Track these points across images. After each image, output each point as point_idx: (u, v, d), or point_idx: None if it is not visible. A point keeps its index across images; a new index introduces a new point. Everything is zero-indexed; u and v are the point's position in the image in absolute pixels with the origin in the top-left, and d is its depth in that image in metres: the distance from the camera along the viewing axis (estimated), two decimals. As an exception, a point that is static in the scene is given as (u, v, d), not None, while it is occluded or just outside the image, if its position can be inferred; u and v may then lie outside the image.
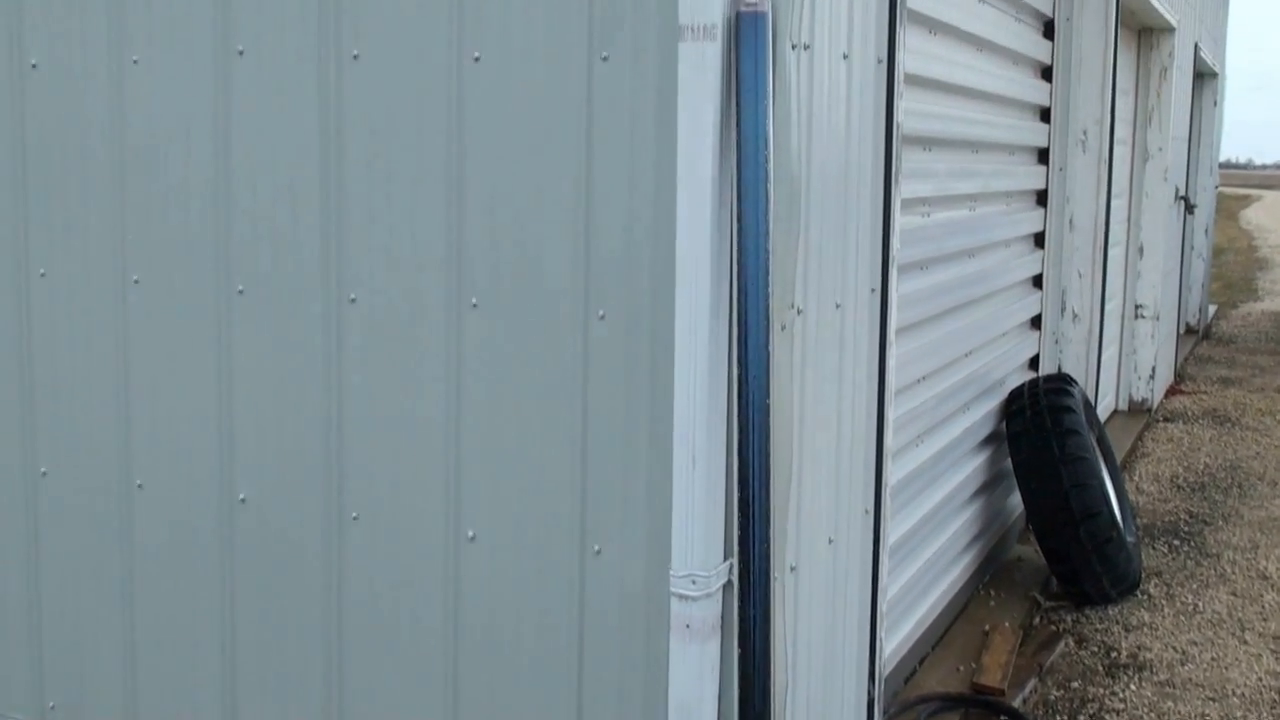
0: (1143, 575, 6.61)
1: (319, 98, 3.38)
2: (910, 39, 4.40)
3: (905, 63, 4.10)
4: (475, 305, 3.27)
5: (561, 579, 3.26)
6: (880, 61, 3.59)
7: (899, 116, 3.69)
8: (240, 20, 3.45)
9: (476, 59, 3.20)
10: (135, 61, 3.58)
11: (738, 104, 2.97)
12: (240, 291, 3.53)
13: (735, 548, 3.08)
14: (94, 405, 3.78)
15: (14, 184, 3.79)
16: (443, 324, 3.31)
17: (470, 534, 3.35)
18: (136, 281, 3.66)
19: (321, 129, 3.38)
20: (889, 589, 4.67)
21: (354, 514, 3.47)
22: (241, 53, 3.45)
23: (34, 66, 3.72)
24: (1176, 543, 7.33)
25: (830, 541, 3.53)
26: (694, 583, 3.05)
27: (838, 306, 3.46)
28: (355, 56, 3.33)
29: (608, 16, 3.06)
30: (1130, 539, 6.33)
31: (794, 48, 3.07)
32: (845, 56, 3.36)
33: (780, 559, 3.23)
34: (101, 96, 3.64)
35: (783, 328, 3.15)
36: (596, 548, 3.22)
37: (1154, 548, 7.24)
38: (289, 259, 3.46)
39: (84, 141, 3.68)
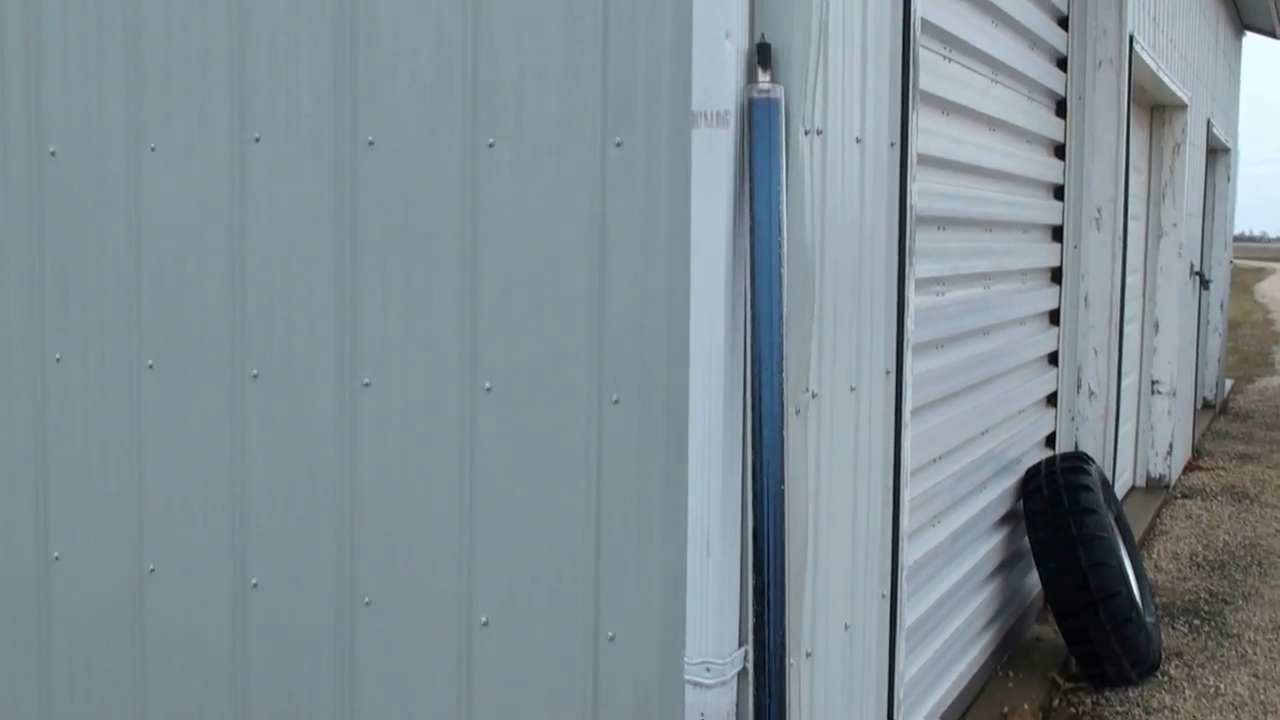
0: (1163, 656, 6.54)
1: (334, 183, 3.40)
2: (923, 120, 4.42)
3: (918, 144, 4.11)
4: (489, 389, 3.27)
5: (575, 665, 3.24)
6: (893, 145, 3.60)
7: (913, 199, 3.70)
8: (257, 107, 3.48)
9: (490, 145, 3.22)
10: (153, 149, 3.61)
11: (751, 189, 2.98)
12: (255, 376, 3.53)
13: (750, 634, 3.05)
14: (107, 489, 3.77)
15: (31, 269, 3.81)
16: (456, 408, 3.31)
17: (483, 619, 3.32)
18: (151, 366, 3.67)
19: (336, 214, 3.40)
20: (906, 672, 4.63)
21: (366, 599, 3.45)
22: (258, 140, 3.48)
23: (53, 154, 3.75)
24: (1197, 622, 7.26)
25: (846, 627, 3.50)
26: (709, 670, 3.03)
27: (852, 389, 3.45)
28: (370, 143, 3.35)
29: (621, 103, 3.09)
30: (1150, 619, 6.27)
31: (807, 133, 3.08)
32: (858, 140, 3.38)
33: (796, 645, 3.20)
34: (119, 183, 3.67)
35: (797, 412, 3.14)
36: (610, 634, 3.19)
37: (1174, 627, 7.17)
38: (304, 343, 3.47)
39: (101, 228, 3.70)
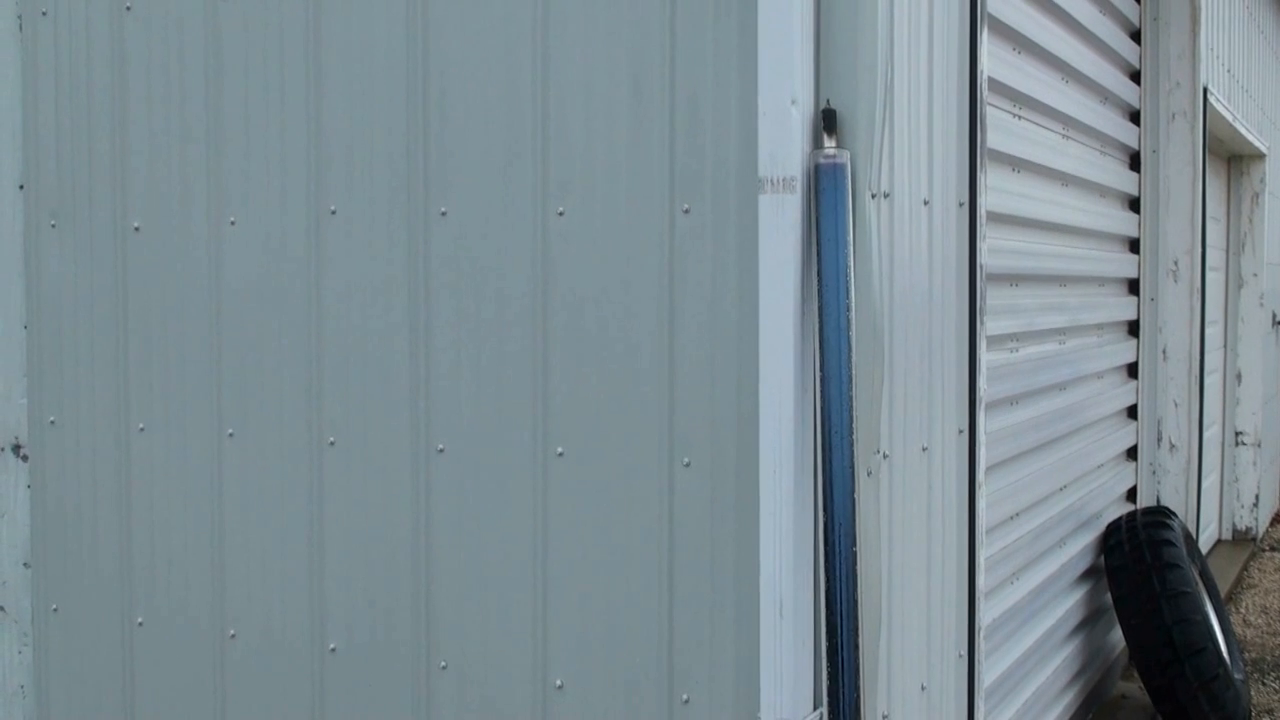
0: (1253, 713, 6.42)
1: (407, 253, 3.47)
2: (993, 178, 4.43)
3: (989, 201, 4.12)
4: (561, 454, 3.30)
5: (650, 729, 3.25)
6: (962, 205, 3.62)
7: (982, 258, 3.70)
8: (333, 181, 3.55)
9: (561, 214, 3.27)
10: (232, 223, 3.70)
11: (818, 252, 3.01)
12: (331, 443, 3.59)
13: (825, 697, 3.05)
14: (189, 555, 3.84)
15: (115, 341, 3.90)
16: (529, 473, 3.35)
17: (558, 683, 3.34)
18: (231, 435, 3.74)
19: (409, 283, 3.47)
20: (987, 732, 4.59)
21: (442, 663, 3.49)
22: (334, 212, 3.55)
23: (136, 229, 3.85)
24: (1287, 678, 7.13)
25: (923, 688, 3.48)
26: (783, 733, 3.03)
27: (924, 449, 3.45)
28: (443, 213, 3.41)
29: (688, 171, 3.13)
30: (1238, 676, 6.16)
31: (874, 196, 3.11)
32: (926, 202, 3.39)
33: (871, 707, 3.19)
34: (200, 257, 3.76)
35: (868, 473, 3.15)
36: (685, 697, 3.20)
37: (1264, 684, 7.04)
38: (379, 411, 3.53)
39: (182, 301, 3.79)
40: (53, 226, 3.99)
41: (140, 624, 3.94)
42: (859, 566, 3.04)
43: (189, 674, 3.87)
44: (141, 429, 3.88)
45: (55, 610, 4.07)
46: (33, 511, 4.09)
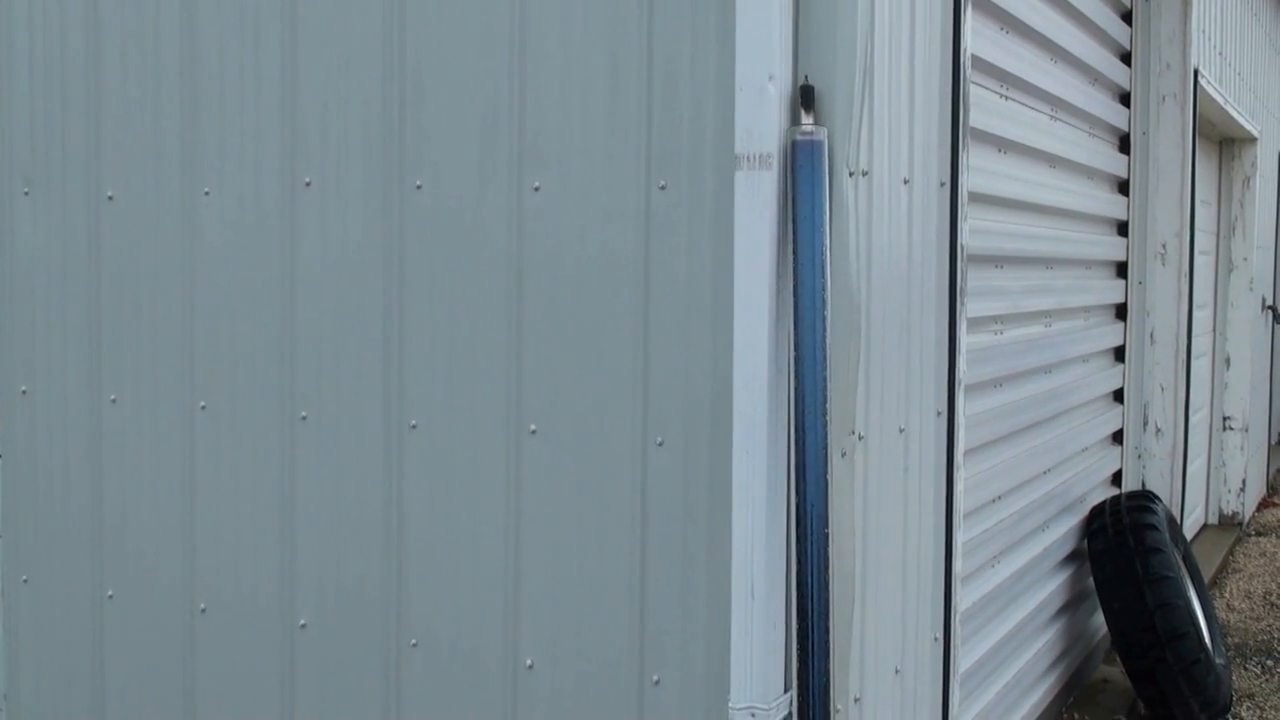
0: (1234, 698, 6.41)
1: (382, 227, 3.43)
2: (978, 158, 4.39)
3: (973, 182, 4.08)
4: (534, 432, 3.27)
5: (620, 709, 3.22)
6: (943, 184, 3.58)
7: (964, 239, 3.67)
8: (308, 153, 3.52)
9: (536, 189, 3.24)
10: (206, 193, 3.66)
11: (794, 230, 2.97)
12: (303, 418, 3.56)
13: (795, 679, 3.03)
14: (160, 529, 3.81)
15: (89, 311, 3.87)
16: (502, 451, 3.32)
17: (528, 662, 3.32)
18: (203, 408, 3.71)
19: (384, 257, 3.43)
20: (963, 716, 4.57)
21: (412, 640, 3.46)
22: (309, 184, 3.51)
23: (110, 198, 3.81)
24: (1270, 663, 7.12)
25: (897, 671, 3.46)
26: (753, 715, 3.01)
27: (901, 431, 3.42)
28: (418, 186, 3.38)
29: (665, 147, 3.09)
30: (1220, 660, 6.15)
31: (851, 174, 3.07)
32: (906, 181, 3.36)
33: (843, 690, 3.17)
34: (174, 227, 3.72)
35: (843, 455, 3.12)
36: (655, 678, 3.18)
37: (1245, 668, 7.03)
38: (352, 386, 3.50)
39: (156, 271, 3.76)
40: (25, 194, 3.95)
41: (111, 596, 3.91)
42: (831, 549, 3.02)
43: (159, 647, 3.85)
44: (113, 400, 3.85)
45: (25, 581, 4.04)
46: (3, 482, 4.06)
